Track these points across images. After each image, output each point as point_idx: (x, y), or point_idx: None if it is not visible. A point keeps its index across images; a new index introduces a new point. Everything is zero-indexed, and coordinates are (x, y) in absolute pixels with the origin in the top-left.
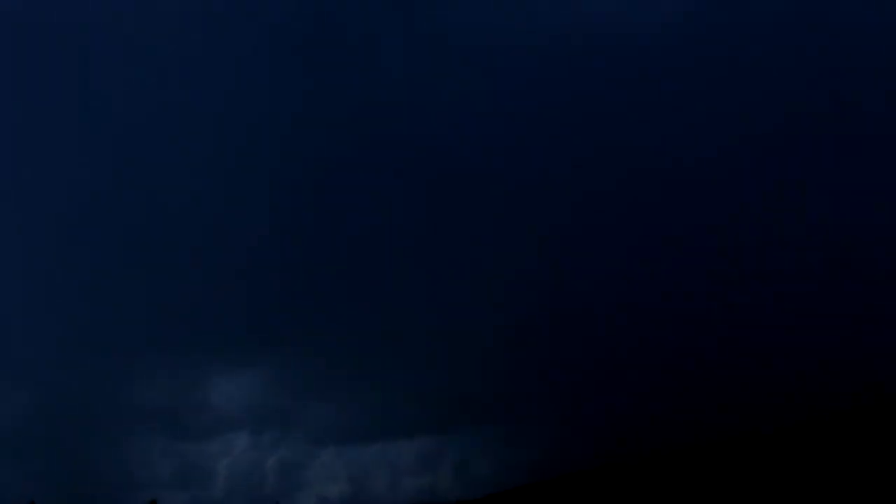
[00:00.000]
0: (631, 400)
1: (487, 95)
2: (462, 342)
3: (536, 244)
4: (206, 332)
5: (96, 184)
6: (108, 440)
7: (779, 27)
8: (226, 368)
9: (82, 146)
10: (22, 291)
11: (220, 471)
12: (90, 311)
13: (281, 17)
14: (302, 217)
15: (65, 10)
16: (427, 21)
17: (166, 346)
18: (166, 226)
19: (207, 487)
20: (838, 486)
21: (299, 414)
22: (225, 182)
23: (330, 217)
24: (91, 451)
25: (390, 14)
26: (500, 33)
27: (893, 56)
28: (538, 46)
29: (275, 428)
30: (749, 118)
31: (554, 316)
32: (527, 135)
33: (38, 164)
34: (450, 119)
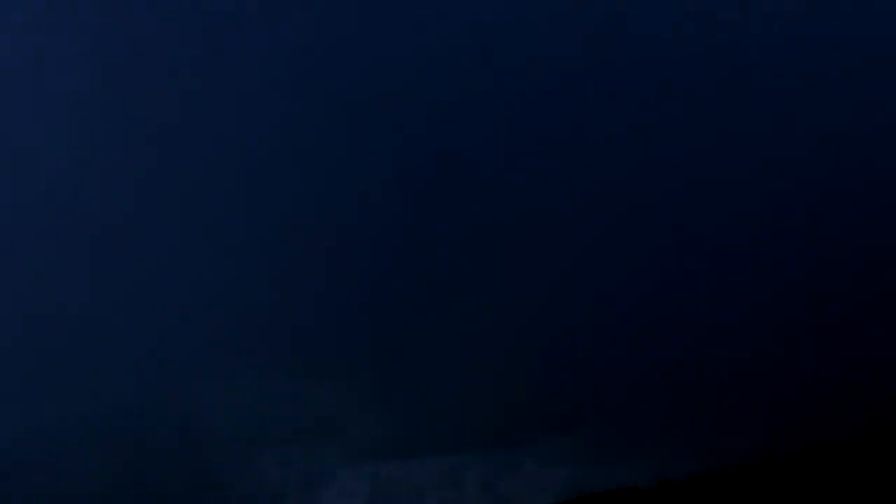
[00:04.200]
0: (676, 416)
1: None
2: (493, 356)
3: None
4: (234, 341)
5: (177, 188)
6: (126, 449)
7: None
8: (250, 379)
9: (162, 148)
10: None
11: (238, 484)
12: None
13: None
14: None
15: None
16: None
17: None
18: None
19: (223, 500)
20: None
21: (323, 427)
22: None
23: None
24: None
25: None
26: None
27: None
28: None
29: (297, 441)
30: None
31: (592, 324)
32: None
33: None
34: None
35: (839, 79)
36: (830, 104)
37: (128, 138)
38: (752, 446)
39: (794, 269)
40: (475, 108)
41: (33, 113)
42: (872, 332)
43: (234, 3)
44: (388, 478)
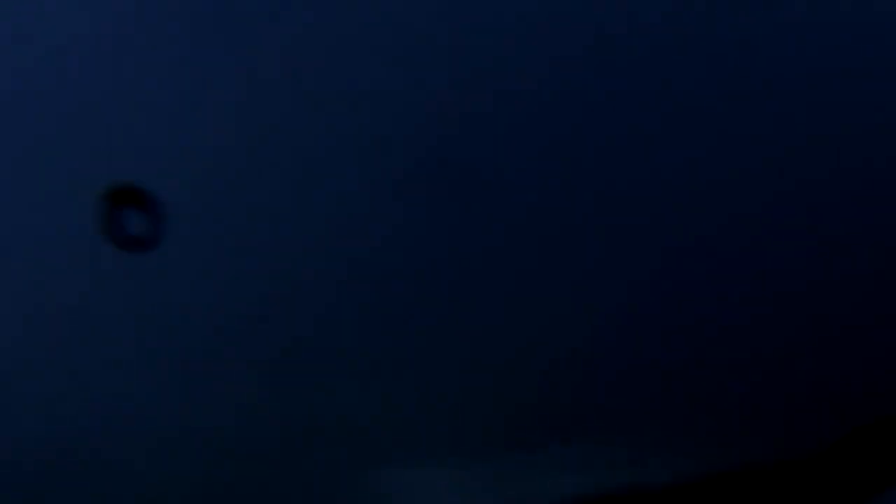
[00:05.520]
0: (683, 421)
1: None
2: (498, 359)
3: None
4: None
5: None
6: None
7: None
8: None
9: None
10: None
11: (241, 488)
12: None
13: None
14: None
15: None
16: None
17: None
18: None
19: None
20: None
21: (331, 432)
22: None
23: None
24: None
25: None
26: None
27: None
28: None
29: (302, 445)
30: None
31: (599, 328)
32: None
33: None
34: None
35: (839, 79)
36: (830, 104)
37: (127, 136)
38: (758, 452)
39: (799, 272)
40: (477, 108)
41: (32, 112)
42: (880, 334)
43: (228, 3)
44: (396, 482)
